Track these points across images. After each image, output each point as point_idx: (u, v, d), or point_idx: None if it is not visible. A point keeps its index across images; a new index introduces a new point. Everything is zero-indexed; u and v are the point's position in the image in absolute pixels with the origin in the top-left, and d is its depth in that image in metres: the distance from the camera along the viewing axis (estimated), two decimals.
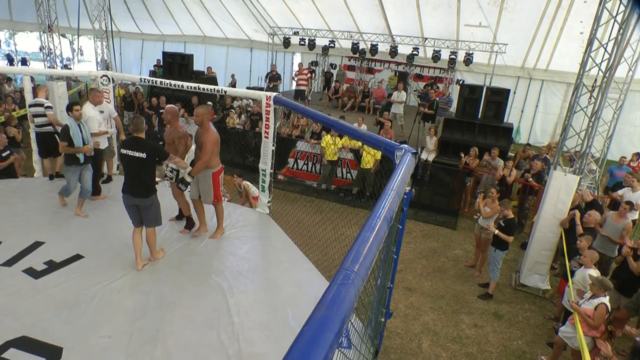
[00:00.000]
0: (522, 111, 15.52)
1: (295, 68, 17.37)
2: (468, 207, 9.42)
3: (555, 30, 12.63)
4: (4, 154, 7.12)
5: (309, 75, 14.84)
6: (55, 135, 6.55)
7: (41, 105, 6.68)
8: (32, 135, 6.79)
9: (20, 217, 5.36)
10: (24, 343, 3.32)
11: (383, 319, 3.68)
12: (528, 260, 6.71)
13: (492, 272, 6.39)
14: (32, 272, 4.22)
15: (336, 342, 1.17)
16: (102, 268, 4.36)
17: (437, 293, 6.43)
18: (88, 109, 5.97)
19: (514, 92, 14.67)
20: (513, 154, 10.83)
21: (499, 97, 10.31)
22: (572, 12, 11.76)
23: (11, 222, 5.17)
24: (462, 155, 9.62)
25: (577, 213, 6.32)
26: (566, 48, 12.97)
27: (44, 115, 6.65)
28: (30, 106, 6.72)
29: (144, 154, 4.17)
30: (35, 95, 6.91)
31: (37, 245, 4.68)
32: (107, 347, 3.36)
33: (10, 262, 4.34)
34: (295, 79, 14.25)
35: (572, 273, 5.33)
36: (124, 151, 4.24)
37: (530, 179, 8.52)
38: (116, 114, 6.82)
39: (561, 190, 6.40)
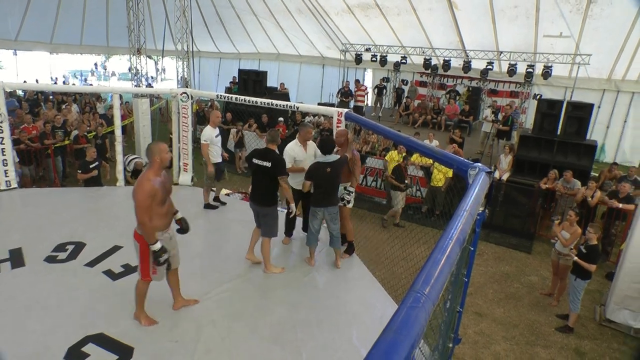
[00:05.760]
0: (607, 127, 14.29)
1: (368, 84, 17.47)
2: (544, 230, 8.78)
3: None
4: (91, 166, 7.62)
5: (367, 91, 14.90)
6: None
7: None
8: (119, 148, 7.32)
9: (104, 222, 5.78)
10: (101, 339, 3.53)
11: (451, 345, 3.48)
12: (616, 293, 6.01)
13: (572, 303, 5.84)
14: (110, 274, 4.52)
15: None
16: None
17: (510, 321, 6.02)
18: (292, 147, 5.23)
19: (599, 107, 13.64)
20: (597, 174, 9.99)
21: (581, 112, 9.58)
22: None
23: (96, 227, 5.59)
24: (540, 185, 8.80)
25: None
26: None
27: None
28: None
29: (269, 163, 4.41)
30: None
31: (116, 249, 5.02)
32: (174, 351, 3.47)
33: (92, 263, 4.71)
34: (354, 95, 14.33)
35: None
36: (255, 160, 4.49)
37: (620, 205, 7.73)
38: None
39: None
